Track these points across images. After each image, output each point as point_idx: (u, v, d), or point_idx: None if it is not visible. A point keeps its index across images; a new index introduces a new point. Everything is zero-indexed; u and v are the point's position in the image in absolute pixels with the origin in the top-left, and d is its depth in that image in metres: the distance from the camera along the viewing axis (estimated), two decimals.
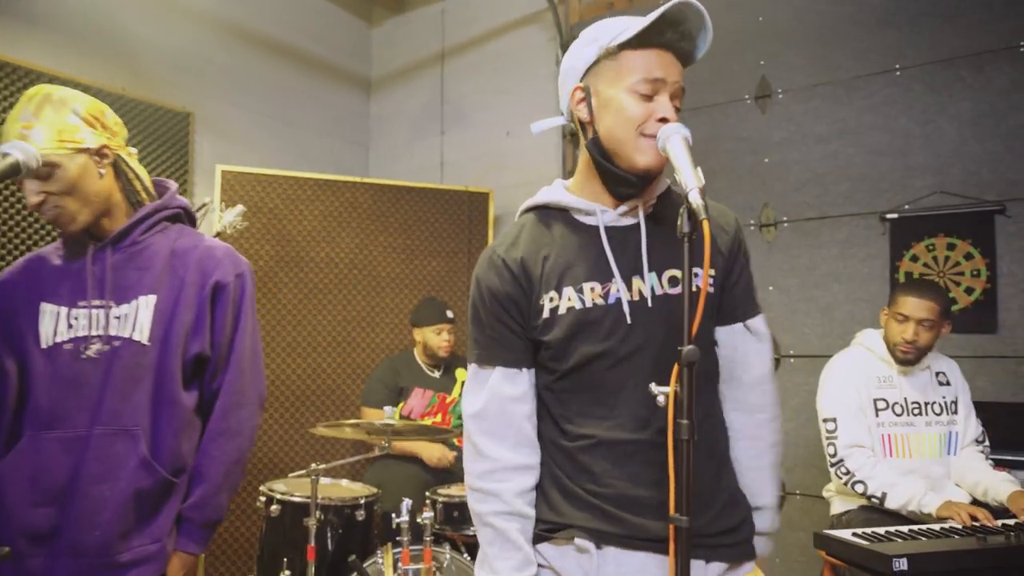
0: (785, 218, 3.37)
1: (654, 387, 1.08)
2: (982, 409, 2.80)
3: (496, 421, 1.23)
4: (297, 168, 3.95)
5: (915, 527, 1.95)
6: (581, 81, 1.24)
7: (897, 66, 3.18)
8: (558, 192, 1.30)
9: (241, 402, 1.59)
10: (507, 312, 1.24)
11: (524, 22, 4.32)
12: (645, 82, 1.16)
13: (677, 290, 1.19)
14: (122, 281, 1.51)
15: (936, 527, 1.98)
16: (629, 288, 1.20)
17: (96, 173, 1.49)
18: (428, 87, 4.73)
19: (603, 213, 1.23)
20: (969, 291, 2.97)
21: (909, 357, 2.42)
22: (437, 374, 3.43)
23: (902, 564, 1.62)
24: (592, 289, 1.20)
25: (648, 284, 1.20)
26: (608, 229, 1.23)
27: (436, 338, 3.36)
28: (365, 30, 4.99)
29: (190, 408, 1.55)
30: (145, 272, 1.52)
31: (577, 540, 1.18)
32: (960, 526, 2.00)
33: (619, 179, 1.21)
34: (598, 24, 1.24)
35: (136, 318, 1.49)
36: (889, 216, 3.15)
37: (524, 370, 1.25)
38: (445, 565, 2.47)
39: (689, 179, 1.03)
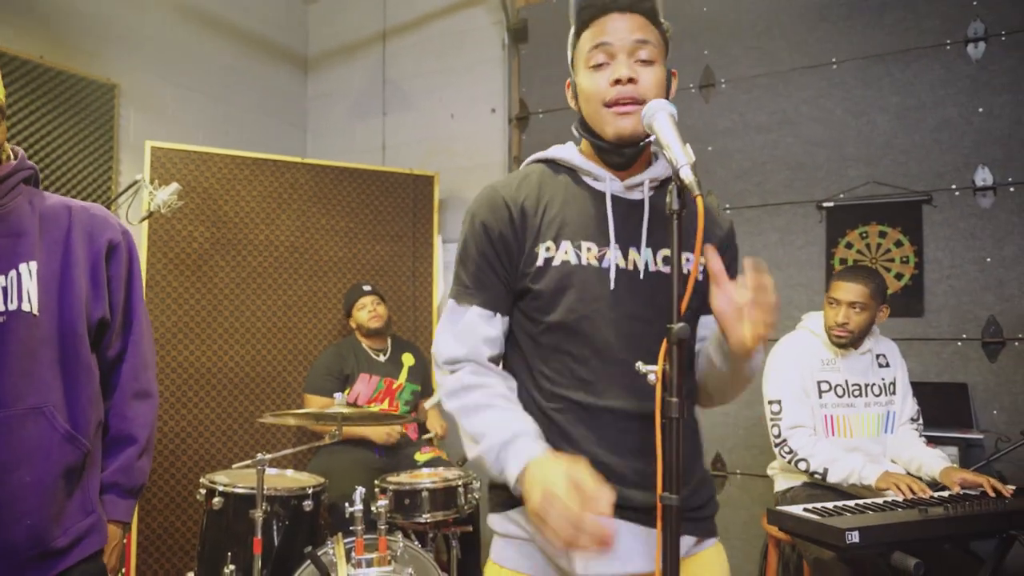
0: (728, 205, 3.46)
1: (641, 366, 1.07)
2: (912, 388, 2.96)
3: (473, 357, 1.22)
4: (230, 146, 3.77)
5: (861, 502, 2.05)
6: (572, 75, 1.29)
7: (833, 60, 3.30)
8: (570, 151, 1.30)
9: (148, 362, 1.54)
10: (495, 252, 1.22)
11: (469, 3, 4.25)
12: (594, 52, 1.19)
13: (669, 269, 1.19)
14: None
15: (880, 500, 2.07)
16: (625, 257, 1.21)
17: None
18: (369, 67, 4.60)
19: (612, 181, 1.24)
20: (899, 277, 3.12)
21: (843, 340, 2.52)
22: (383, 359, 3.37)
23: (854, 536, 1.69)
24: (589, 249, 1.20)
25: (643, 258, 1.21)
26: (613, 198, 1.24)
27: (361, 313, 3.34)
28: (301, 5, 4.80)
29: (97, 374, 1.46)
30: (18, 239, 1.37)
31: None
32: (900, 498, 2.11)
33: (604, 151, 1.25)
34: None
35: (20, 288, 1.35)
36: (825, 204, 3.27)
37: (499, 315, 1.24)
38: (399, 554, 2.42)
39: (679, 155, 1.02)
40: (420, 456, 3.20)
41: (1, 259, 1.36)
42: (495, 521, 1.25)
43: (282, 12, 4.66)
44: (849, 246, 3.22)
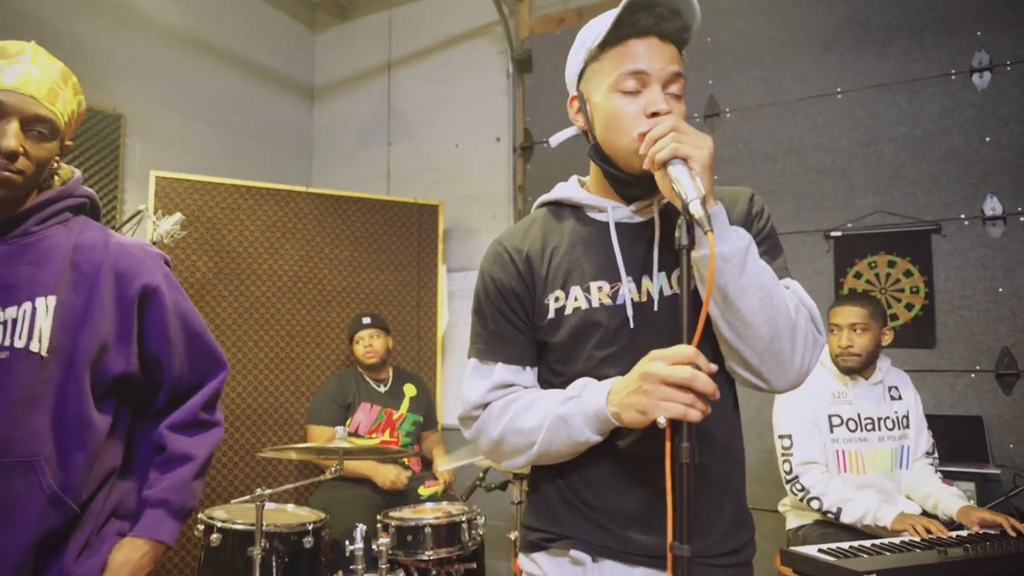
0: None
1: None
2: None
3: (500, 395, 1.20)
4: (236, 176, 3.78)
5: (877, 542, 1.98)
6: (576, 89, 1.21)
7: (839, 90, 3.29)
8: (571, 188, 1.26)
9: (216, 396, 1.43)
10: (510, 307, 1.20)
11: (473, 34, 4.29)
12: (627, 77, 1.10)
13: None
14: (9, 278, 1.20)
15: (896, 541, 2.01)
16: (639, 288, 1.15)
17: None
18: (374, 97, 4.62)
19: (614, 209, 1.19)
20: (909, 307, 3.08)
21: (850, 363, 2.48)
22: (383, 389, 3.32)
23: None
24: (600, 288, 1.15)
25: (656, 284, 1.15)
26: (620, 226, 1.18)
27: (358, 347, 3.31)
28: (308, 36, 4.85)
29: (104, 432, 1.27)
30: (40, 268, 1.21)
31: (572, 551, 1.15)
32: (916, 539, 2.04)
33: (624, 182, 1.17)
34: (586, 26, 1.20)
35: (33, 324, 1.19)
36: (833, 234, 3.24)
37: (528, 369, 1.21)
38: None
39: (688, 190, 0.99)
40: (424, 490, 3.14)
41: (18, 288, 1.20)
42: (522, 560, 1.25)
43: (290, 43, 4.70)
44: (858, 276, 3.18)
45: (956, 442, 2.87)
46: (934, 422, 2.93)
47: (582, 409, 1.09)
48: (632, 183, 1.16)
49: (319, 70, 4.85)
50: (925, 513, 2.34)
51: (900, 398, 2.57)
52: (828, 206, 3.28)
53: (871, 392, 2.54)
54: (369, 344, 3.28)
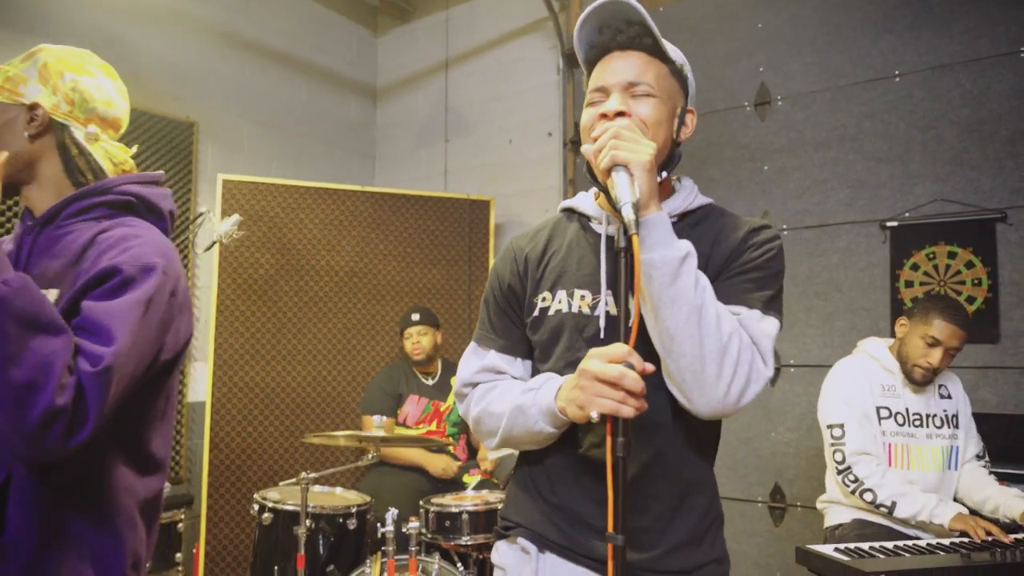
0: (785, 226, 3.34)
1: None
2: (985, 421, 2.74)
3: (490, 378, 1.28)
4: (303, 177, 3.99)
5: (900, 543, 1.92)
6: None
7: (896, 72, 3.14)
8: (583, 197, 1.32)
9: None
10: (508, 302, 1.30)
11: (526, 30, 4.33)
12: (592, 95, 1.20)
13: None
14: (35, 269, 1.20)
15: (923, 543, 1.94)
16: (618, 302, 1.15)
17: (22, 132, 1.23)
18: (433, 95, 4.75)
19: (609, 224, 1.22)
20: (971, 300, 2.92)
21: (928, 378, 2.38)
22: (431, 382, 3.44)
23: None
24: (583, 297, 1.21)
25: (636, 300, 1.17)
26: (609, 240, 1.21)
27: (407, 343, 3.41)
28: (371, 39, 5.03)
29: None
30: (54, 261, 1.20)
31: (520, 540, 1.22)
32: (956, 542, 1.96)
33: (607, 193, 1.20)
34: None
35: None
36: (889, 224, 3.10)
37: (519, 360, 1.29)
38: (434, 574, 2.47)
39: (622, 194, 1.02)
40: (469, 479, 3.24)
41: (41, 279, 1.16)
42: (493, 551, 1.33)
43: (353, 47, 4.89)
44: (915, 268, 3.04)
45: (1019, 442, 2.71)
46: (996, 421, 2.78)
47: (538, 401, 1.14)
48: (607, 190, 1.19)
49: (381, 71, 5.03)
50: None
51: (950, 397, 2.45)
52: (885, 195, 3.14)
53: (921, 389, 2.43)
54: (417, 341, 3.38)
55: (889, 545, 1.88)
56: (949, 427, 2.40)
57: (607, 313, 1.18)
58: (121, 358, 1.07)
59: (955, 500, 2.40)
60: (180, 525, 3.26)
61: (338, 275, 3.74)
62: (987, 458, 2.43)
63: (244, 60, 4.15)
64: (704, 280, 1.08)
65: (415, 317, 3.42)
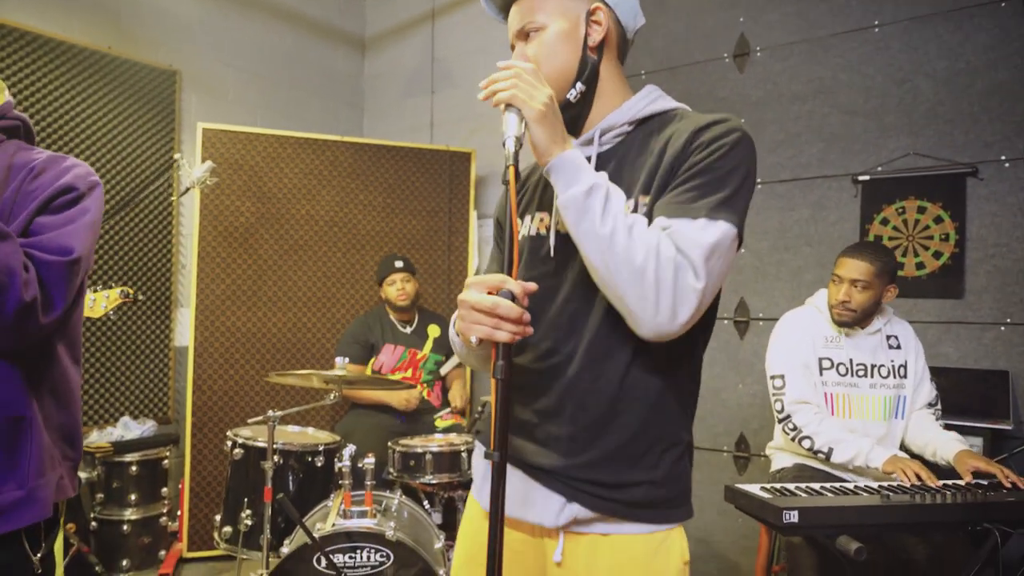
0: (759, 180, 3.33)
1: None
2: (945, 375, 2.78)
3: None
4: (290, 127, 4.02)
5: (828, 485, 1.98)
6: None
7: (876, 22, 3.09)
8: None
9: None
10: (499, 232, 1.40)
11: None
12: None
13: None
14: None
15: (850, 485, 2.00)
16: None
17: None
18: (420, 46, 4.73)
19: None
20: (937, 255, 2.92)
21: (844, 318, 2.41)
22: (408, 330, 3.52)
23: (792, 516, 1.65)
24: (541, 220, 1.25)
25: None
26: None
27: (390, 289, 3.46)
28: None
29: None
30: None
31: (477, 441, 1.37)
32: (906, 483, 2.02)
33: None
34: None
35: None
36: (861, 178, 3.09)
37: None
38: (393, 509, 2.57)
39: (507, 128, 1.08)
40: (440, 422, 3.34)
41: None
42: None
43: None
44: (885, 222, 3.03)
45: (978, 397, 2.74)
46: (958, 375, 2.81)
47: (455, 320, 1.20)
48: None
49: (370, 21, 4.99)
50: (925, 464, 2.28)
51: (899, 347, 2.48)
52: (858, 148, 3.12)
53: (867, 340, 2.47)
54: (402, 288, 3.45)
55: (816, 486, 1.94)
56: (896, 377, 2.44)
57: (558, 232, 1.21)
58: (85, 251, 1.29)
59: (902, 448, 2.45)
60: (166, 462, 3.41)
61: (318, 224, 3.79)
62: (939, 406, 2.46)
63: (229, 8, 4.14)
64: (615, 205, 1.06)
65: (399, 264, 3.47)
